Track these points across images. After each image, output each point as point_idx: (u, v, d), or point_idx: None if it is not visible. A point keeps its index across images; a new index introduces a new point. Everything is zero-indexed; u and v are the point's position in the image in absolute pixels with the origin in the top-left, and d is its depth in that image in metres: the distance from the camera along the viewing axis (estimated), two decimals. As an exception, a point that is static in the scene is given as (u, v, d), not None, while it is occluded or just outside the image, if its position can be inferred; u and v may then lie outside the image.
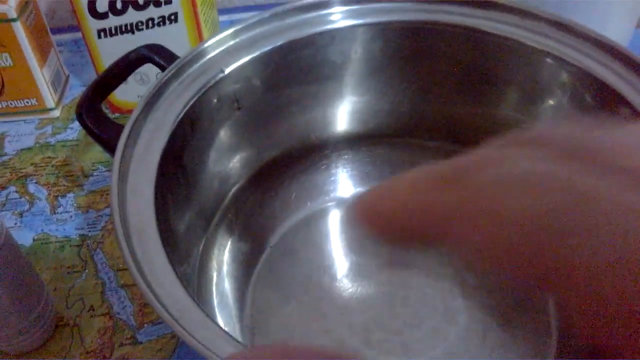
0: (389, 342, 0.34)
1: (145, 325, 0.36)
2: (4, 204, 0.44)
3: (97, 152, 0.47)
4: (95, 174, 0.46)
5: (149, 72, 0.47)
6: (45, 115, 0.50)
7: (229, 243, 0.37)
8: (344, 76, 0.38)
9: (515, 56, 0.35)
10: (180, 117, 0.31)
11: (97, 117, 0.32)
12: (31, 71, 0.48)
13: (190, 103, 0.31)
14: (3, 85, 0.48)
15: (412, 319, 0.35)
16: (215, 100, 0.33)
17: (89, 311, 0.37)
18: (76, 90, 0.54)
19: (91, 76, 0.51)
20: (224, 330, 0.22)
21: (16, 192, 0.45)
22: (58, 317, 0.37)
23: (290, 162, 0.40)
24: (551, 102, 0.35)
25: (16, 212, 0.43)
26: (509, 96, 0.38)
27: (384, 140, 0.41)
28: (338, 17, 0.36)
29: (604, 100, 0.31)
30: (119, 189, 0.27)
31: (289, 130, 0.39)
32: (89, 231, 0.42)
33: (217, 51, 0.33)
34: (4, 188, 0.45)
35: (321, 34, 0.35)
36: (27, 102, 0.49)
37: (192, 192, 0.33)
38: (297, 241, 0.40)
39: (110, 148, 0.31)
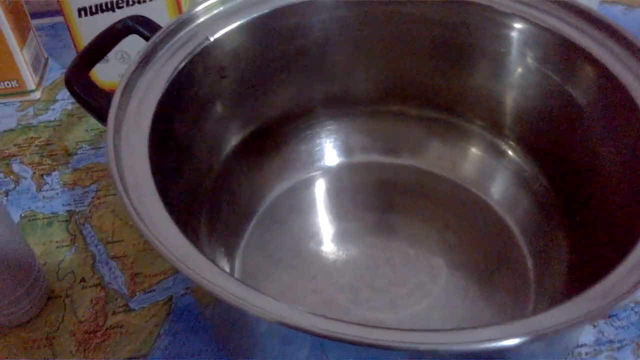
0: (375, 299, 0.36)
1: (138, 293, 0.37)
2: (-12, 184, 0.44)
3: (80, 131, 0.48)
4: (79, 152, 0.46)
5: (130, 51, 0.47)
6: (26, 98, 0.50)
7: (218, 211, 0.38)
8: (326, 45, 0.39)
9: (485, 22, 0.36)
10: (168, 83, 0.31)
11: (85, 85, 0.32)
12: (11, 52, 0.48)
13: (178, 70, 0.32)
14: (-18, 68, 0.48)
15: (396, 277, 0.37)
16: (201, 68, 0.34)
17: (80, 282, 0.38)
18: (55, 73, 0.54)
19: (70, 58, 0.50)
20: (226, 272, 0.23)
21: (0, 172, 0.45)
22: (49, 290, 0.37)
23: (275, 132, 0.41)
24: (520, 69, 0.37)
25: (1, 191, 0.43)
26: (481, 64, 0.39)
27: (366, 109, 0.42)
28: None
29: (571, 61, 0.33)
30: (115, 147, 0.27)
31: (273, 100, 0.40)
32: (77, 207, 0.42)
33: (203, 19, 0.34)
34: (-13, 168, 0.45)
35: (305, 2, 0.36)
36: (8, 84, 0.49)
37: (182, 159, 0.34)
38: (284, 209, 0.41)
39: (99, 115, 0.32)
